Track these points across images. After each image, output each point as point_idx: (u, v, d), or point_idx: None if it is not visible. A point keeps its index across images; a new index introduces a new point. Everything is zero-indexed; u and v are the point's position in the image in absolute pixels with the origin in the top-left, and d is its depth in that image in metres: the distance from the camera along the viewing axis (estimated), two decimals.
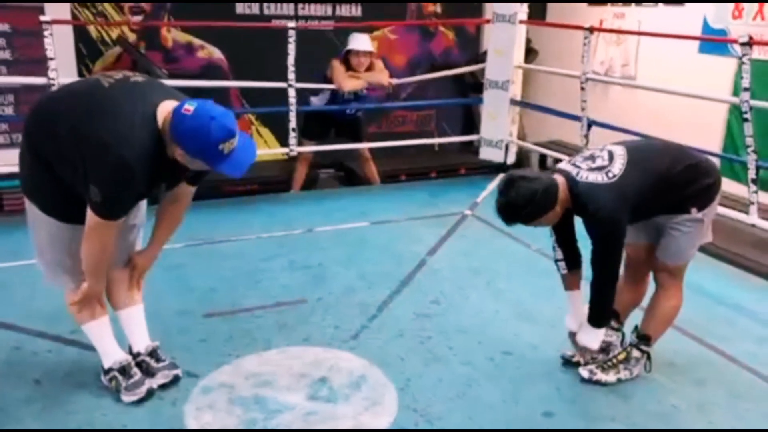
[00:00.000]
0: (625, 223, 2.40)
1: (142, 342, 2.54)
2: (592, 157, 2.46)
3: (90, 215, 2.10)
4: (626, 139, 2.92)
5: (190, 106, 2.02)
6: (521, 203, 2.31)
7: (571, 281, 2.63)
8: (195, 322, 3.05)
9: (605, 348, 2.71)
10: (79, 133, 2.04)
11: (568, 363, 2.75)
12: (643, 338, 2.63)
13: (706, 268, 3.71)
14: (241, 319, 3.09)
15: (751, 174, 3.88)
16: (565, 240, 2.56)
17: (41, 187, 2.23)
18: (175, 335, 2.87)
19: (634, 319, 2.74)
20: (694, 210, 2.45)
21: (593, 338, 2.59)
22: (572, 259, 2.59)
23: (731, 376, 2.75)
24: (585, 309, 2.61)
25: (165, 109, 2.08)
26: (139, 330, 2.54)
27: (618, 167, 2.38)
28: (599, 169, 2.39)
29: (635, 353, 2.64)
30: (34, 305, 3.07)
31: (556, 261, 2.61)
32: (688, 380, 2.69)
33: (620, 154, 2.43)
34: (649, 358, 2.65)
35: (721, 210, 3.94)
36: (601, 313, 2.56)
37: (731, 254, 3.95)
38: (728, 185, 4.77)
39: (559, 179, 2.40)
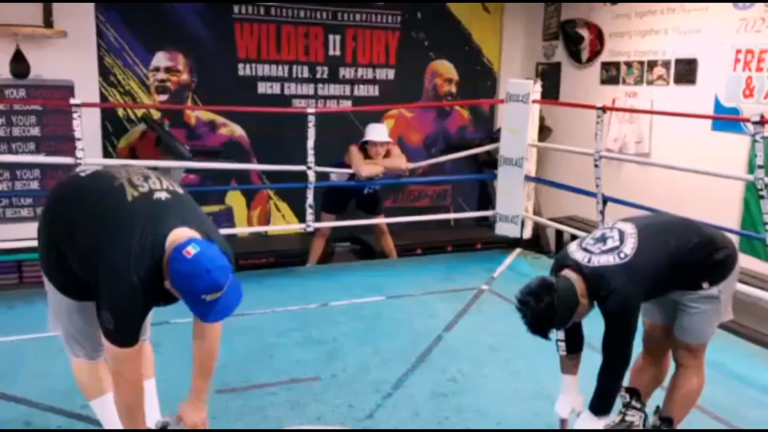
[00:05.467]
0: (639, 304, 2.34)
1: (152, 417, 2.49)
2: (603, 239, 2.41)
3: (110, 352, 2.08)
4: (636, 215, 2.82)
5: (192, 249, 1.97)
6: (546, 318, 2.24)
7: (568, 364, 2.52)
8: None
9: (627, 429, 2.61)
10: (96, 250, 2.04)
11: None
12: (666, 421, 2.53)
13: (730, 347, 3.61)
14: (253, 396, 3.04)
15: None
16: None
17: (52, 264, 2.25)
18: None
19: (656, 399, 2.65)
20: (705, 284, 2.40)
21: (592, 427, 2.42)
22: (574, 342, 2.48)
23: None
24: (580, 398, 2.50)
25: (175, 237, 2.04)
26: (149, 405, 2.49)
27: (630, 247, 2.34)
28: (611, 250, 2.35)
29: None
30: (47, 379, 3.05)
31: (557, 341, 2.49)
32: None
33: (631, 233, 2.39)
34: None
35: (742, 287, 3.88)
36: (606, 400, 2.42)
37: (755, 333, 3.85)
38: (748, 261, 4.73)
39: (570, 274, 2.34)
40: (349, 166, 5.14)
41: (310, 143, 4.82)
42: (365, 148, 5.15)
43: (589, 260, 2.34)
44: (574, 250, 2.43)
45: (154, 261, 2.02)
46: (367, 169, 5.09)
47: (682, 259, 2.39)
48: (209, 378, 2.35)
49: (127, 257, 2.00)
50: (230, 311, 2.05)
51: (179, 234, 2.06)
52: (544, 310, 2.23)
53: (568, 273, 2.36)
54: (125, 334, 2.07)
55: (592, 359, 2.47)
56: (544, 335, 2.32)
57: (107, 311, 2.02)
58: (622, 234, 2.40)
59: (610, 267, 2.30)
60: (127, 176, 2.19)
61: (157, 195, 2.15)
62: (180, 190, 2.27)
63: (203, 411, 2.34)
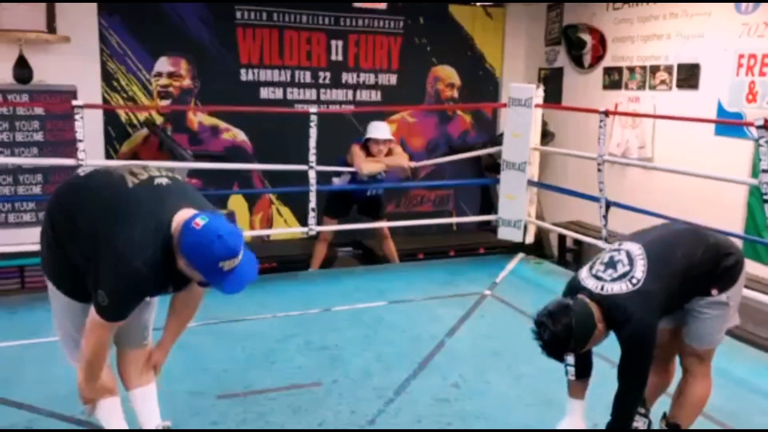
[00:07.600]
0: (655, 330, 2.31)
1: (152, 421, 2.49)
2: (613, 263, 2.36)
3: (92, 314, 2.11)
4: (641, 229, 2.70)
5: (201, 221, 2.00)
6: (563, 340, 2.22)
7: (576, 389, 2.48)
8: (208, 403, 2.99)
9: None
10: (98, 236, 2.06)
11: None
12: (673, 427, 2.51)
13: (734, 353, 3.58)
14: (254, 402, 3.03)
15: None
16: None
17: (56, 265, 2.26)
18: (187, 417, 2.81)
19: (662, 405, 2.63)
20: (714, 291, 2.39)
21: None
22: (584, 367, 2.45)
23: None
24: (585, 425, 2.46)
25: (180, 217, 2.07)
26: (150, 409, 2.49)
27: (640, 270, 2.30)
28: (622, 277, 2.30)
29: None
30: (49, 384, 3.04)
31: (566, 365, 2.44)
32: None
33: (639, 254, 2.35)
34: None
35: (745, 292, 3.85)
36: (623, 425, 2.39)
37: (758, 338, 3.83)
38: (751, 266, 4.70)
39: (585, 299, 2.30)
40: (350, 165, 5.13)
41: (312, 142, 4.81)
42: (367, 147, 5.14)
43: (602, 288, 2.30)
44: (585, 277, 2.38)
45: (160, 244, 2.03)
46: (368, 166, 5.08)
47: (692, 272, 2.37)
48: (180, 333, 2.49)
49: (130, 242, 2.01)
50: (249, 279, 2.08)
51: (184, 214, 2.07)
52: (561, 331, 2.20)
53: (582, 297, 2.32)
54: (116, 313, 2.10)
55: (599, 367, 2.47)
56: (560, 358, 2.31)
57: (103, 290, 2.04)
58: (630, 256, 2.35)
59: (624, 295, 2.27)
60: (127, 168, 2.23)
61: (158, 181, 2.19)
62: (179, 177, 2.30)
63: (166, 354, 2.49)
